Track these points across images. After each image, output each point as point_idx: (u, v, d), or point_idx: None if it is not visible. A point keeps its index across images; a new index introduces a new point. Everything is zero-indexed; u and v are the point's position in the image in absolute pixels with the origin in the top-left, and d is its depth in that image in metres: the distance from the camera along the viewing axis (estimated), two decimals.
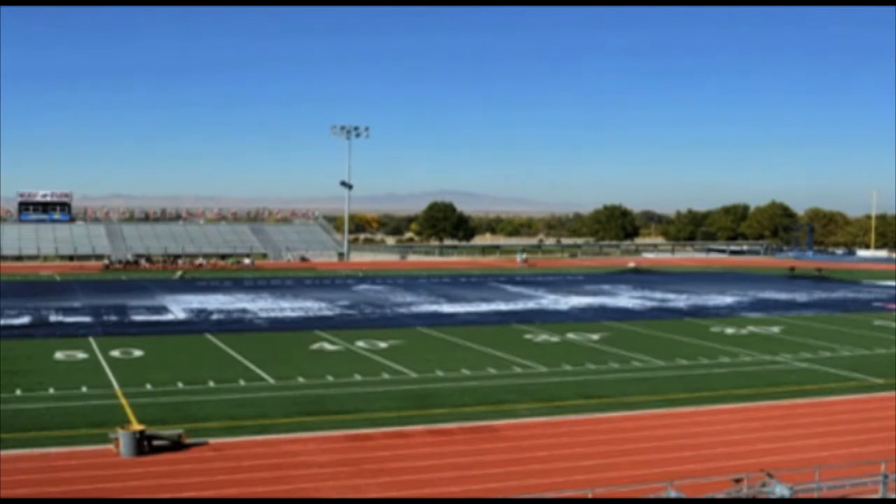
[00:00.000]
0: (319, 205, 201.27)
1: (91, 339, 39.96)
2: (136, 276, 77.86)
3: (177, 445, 22.46)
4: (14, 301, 55.06)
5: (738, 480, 17.98)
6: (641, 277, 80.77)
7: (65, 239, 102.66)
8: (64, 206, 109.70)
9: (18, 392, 28.63)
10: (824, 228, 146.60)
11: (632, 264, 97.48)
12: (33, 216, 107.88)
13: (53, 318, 47.77)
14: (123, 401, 27.63)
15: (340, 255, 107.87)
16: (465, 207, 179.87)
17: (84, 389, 29.25)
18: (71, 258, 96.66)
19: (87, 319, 47.20)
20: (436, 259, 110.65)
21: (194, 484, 19.73)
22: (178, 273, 79.19)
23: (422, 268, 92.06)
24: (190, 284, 69.75)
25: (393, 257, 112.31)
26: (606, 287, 69.59)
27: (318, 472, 20.68)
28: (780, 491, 16.90)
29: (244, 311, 51.98)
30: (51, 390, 29.07)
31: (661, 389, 30.59)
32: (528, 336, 42.81)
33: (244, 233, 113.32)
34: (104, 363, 34.17)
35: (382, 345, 39.37)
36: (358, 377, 31.97)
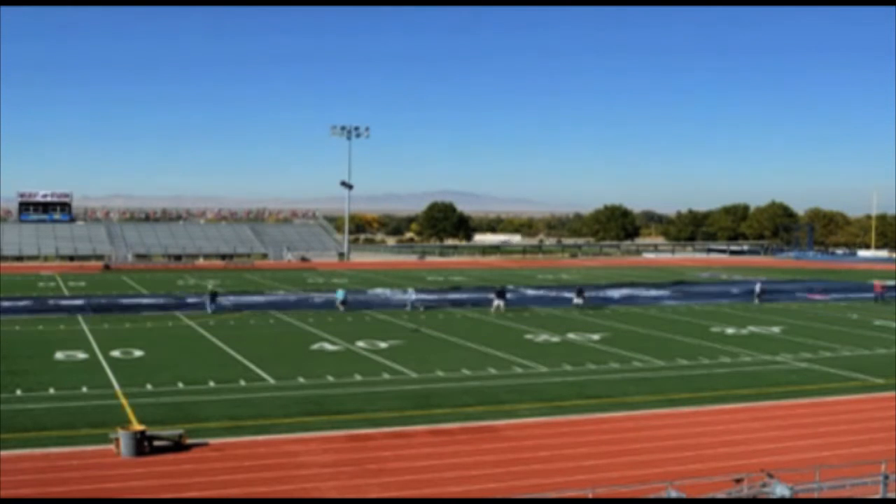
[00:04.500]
0: (319, 205, 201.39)
1: (91, 339, 39.94)
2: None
3: (177, 446, 22.45)
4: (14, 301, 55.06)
5: (738, 480, 17.97)
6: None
7: (65, 239, 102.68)
8: (64, 206, 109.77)
9: (18, 392, 28.63)
10: (824, 228, 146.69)
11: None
12: (33, 216, 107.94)
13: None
14: (123, 401, 27.63)
15: (341, 255, 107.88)
16: (465, 207, 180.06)
17: (84, 389, 29.24)
18: (71, 258, 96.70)
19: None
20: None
21: (195, 484, 19.73)
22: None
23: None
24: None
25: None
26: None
27: (320, 472, 20.68)
28: (781, 491, 16.89)
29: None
30: (51, 390, 29.06)
31: (662, 389, 30.58)
32: (528, 336, 42.80)
33: (244, 233, 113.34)
34: (104, 363, 34.16)
35: (382, 345, 39.36)
36: (358, 377, 31.96)
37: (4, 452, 21.64)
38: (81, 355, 35.87)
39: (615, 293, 64.95)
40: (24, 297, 57.61)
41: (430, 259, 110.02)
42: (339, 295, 53.90)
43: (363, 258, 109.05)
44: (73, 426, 24.43)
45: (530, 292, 65.28)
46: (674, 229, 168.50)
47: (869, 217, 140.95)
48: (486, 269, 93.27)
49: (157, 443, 22.25)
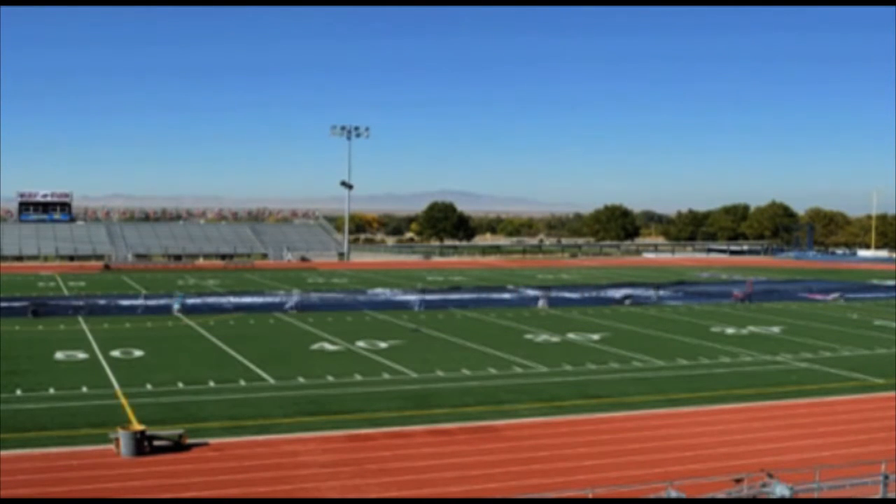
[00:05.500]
0: (319, 205, 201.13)
1: (91, 339, 39.95)
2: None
3: (177, 446, 22.46)
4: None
5: (738, 480, 17.98)
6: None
7: (65, 239, 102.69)
8: (64, 206, 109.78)
9: (18, 392, 28.63)
10: (825, 228, 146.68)
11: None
12: (33, 216, 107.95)
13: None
14: (123, 401, 27.63)
15: (341, 255, 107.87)
16: (465, 207, 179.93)
17: (84, 389, 29.25)
18: (71, 258, 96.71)
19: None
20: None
21: (195, 484, 19.73)
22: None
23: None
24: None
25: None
26: None
27: (319, 472, 20.68)
28: (781, 491, 16.90)
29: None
30: (51, 390, 29.06)
31: (662, 389, 30.58)
32: (528, 336, 42.80)
33: (244, 233, 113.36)
34: (104, 363, 34.17)
35: (382, 345, 39.36)
36: (358, 377, 31.96)
37: (4, 452, 21.64)
38: (81, 355, 35.88)
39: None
40: (23, 298, 57.53)
41: (435, 259, 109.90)
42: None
43: (363, 258, 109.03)
44: (73, 426, 24.43)
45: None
46: (674, 229, 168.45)
47: (869, 217, 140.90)
48: (487, 268, 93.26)
49: (157, 443, 22.26)
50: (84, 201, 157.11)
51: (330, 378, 31.74)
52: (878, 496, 17.66)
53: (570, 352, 38.17)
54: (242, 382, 30.86)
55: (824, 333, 44.76)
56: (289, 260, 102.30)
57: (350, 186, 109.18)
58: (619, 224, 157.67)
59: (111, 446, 22.08)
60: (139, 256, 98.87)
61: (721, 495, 17.10)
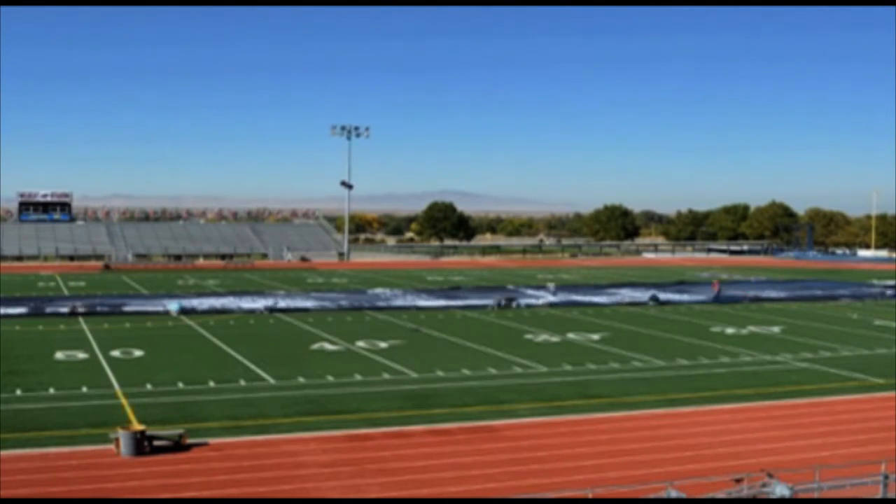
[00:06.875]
0: (319, 205, 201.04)
1: (91, 339, 39.95)
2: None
3: (177, 446, 22.46)
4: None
5: (738, 480, 17.98)
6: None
7: (65, 239, 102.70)
8: (64, 206, 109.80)
9: (18, 392, 28.64)
10: (825, 228, 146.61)
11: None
12: (33, 216, 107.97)
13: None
14: (123, 401, 27.63)
15: (341, 255, 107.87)
16: (465, 207, 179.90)
17: (84, 389, 29.25)
18: (71, 258, 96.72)
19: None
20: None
21: (195, 484, 19.73)
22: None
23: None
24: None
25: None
26: None
27: (319, 472, 20.69)
28: (781, 491, 16.90)
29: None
30: (51, 390, 29.07)
31: (662, 389, 30.58)
32: (528, 336, 42.81)
33: (244, 233, 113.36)
34: (104, 363, 34.17)
35: (383, 345, 39.36)
36: (358, 377, 31.97)
37: (4, 452, 21.65)
38: (81, 355, 35.88)
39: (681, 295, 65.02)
40: (23, 299, 57.53)
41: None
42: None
43: (363, 258, 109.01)
44: (73, 426, 24.43)
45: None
46: (674, 229, 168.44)
47: (869, 217, 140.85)
48: (487, 268, 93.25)
49: (157, 443, 22.26)
50: (84, 201, 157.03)
51: (330, 378, 31.74)
52: (878, 496, 17.66)
53: (570, 352, 38.17)
54: (242, 382, 30.86)
55: (824, 333, 44.76)
56: (289, 260, 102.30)
57: (350, 186, 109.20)
58: (619, 224, 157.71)
59: (111, 446, 22.09)
60: (139, 256, 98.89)
61: (721, 495, 17.10)
